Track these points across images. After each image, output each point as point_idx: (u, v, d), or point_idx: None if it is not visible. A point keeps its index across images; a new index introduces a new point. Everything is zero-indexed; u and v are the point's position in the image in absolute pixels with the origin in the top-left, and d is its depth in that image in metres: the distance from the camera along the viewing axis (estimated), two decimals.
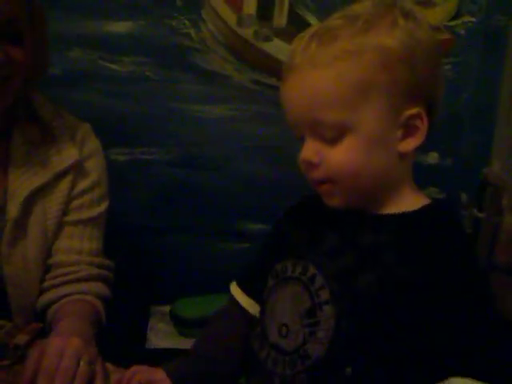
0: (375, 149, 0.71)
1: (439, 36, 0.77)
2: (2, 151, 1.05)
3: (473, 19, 1.61)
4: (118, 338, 0.90)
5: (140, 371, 0.83)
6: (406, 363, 0.70)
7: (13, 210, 1.01)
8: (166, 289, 1.78)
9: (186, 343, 1.58)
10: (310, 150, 0.73)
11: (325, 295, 0.74)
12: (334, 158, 0.71)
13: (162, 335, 1.65)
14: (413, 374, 0.70)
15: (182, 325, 1.65)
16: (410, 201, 0.76)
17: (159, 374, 0.83)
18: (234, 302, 0.90)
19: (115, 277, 1.15)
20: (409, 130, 0.72)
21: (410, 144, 0.72)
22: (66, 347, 0.78)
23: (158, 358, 0.87)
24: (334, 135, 0.71)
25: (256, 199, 1.76)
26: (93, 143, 1.13)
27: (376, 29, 0.70)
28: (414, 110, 0.71)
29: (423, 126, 0.72)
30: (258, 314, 0.86)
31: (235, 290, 0.90)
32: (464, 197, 1.72)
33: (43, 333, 0.94)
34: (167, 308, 1.72)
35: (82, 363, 0.78)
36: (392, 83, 0.70)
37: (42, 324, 1.00)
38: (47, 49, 1.05)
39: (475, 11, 1.61)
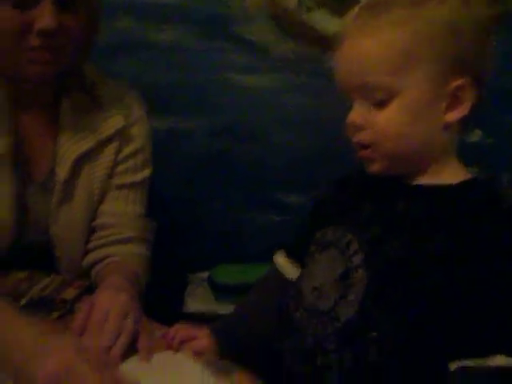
0: (419, 116, 0.73)
1: (492, 10, 0.76)
2: (52, 117, 1.08)
3: None
4: (157, 301, 0.93)
5: (183, 328, 0.86)
6: (431, 333, 0.71)
7: (62, 172, 1.05)
8: (205, 256, 1.82)
9: (222, 308, 1.62)
10: (357, 113, 0.75)
11: (358, 260, 0.76)
12: (378, 122, 0.74)
13: (199, 300, 1.70)
14: (437, 345, 0.71)
15: (219, 291, 1.70)
16: (450, 173, 0.77)
17: (201, 332, 0.86)
18: (277, 268, 0.92)
19: (156, 241, 1.18)
20: (454, 100, 0.73)
21: (455, 115, 0.74)
22: (113, 303, 0.82)
23: (195, 322, 0.91)
24: (381, 99, 0.73)
25: (294, 171, 1.77)
26: (138, 110, 1.16)
27: (427, 1, 0.72)
28: (459, 81, 0.72)
29: (469, 98, 0.73)
30: None
31: (280, 257, 0.93)
32: (506, 177, 1.70)
33: (89, 289, 0.99)
34: (205, 274, 1.76)
35: (128, 319, 0.81)
36: (439, 54, 0.71)
37: (88, 281, 1.05)
38: (99, 18, 1.07)
39: None
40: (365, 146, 0.76)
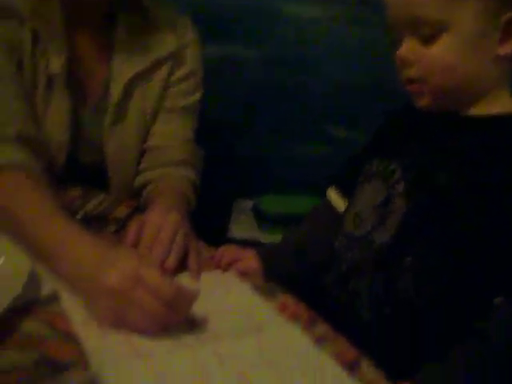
0: (469, 50, 0.73)
1: None
2: (106, 39, 1.09)
3: None
4: (202, 226, 0.95)
5: (231, 249, 0.89)
6: (468, 264, 0.72)
7: (115, 93, 1.07)
8: (251, 185, 1.84)
9: (265, 236, 1.65)
10: (406, 47, 0.75)
11: (400, 188, 0.77)
12: (428, 56, 0.74)
13: (243, 227, 1.73)
14: (475, 277, 0.72)
15: (263, 219, 1.72)
16: (501, 105, 0.76)
17: (249, 253, 0.89)
18: (330, 202, 0.94)
19: (205, 168, 1.20)
20: (506, 34, 0.72)
21: (506, 49, 0.73)
22: (164, 220, 0.84)
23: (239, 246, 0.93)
24: (431, 33, 0.73)
25: (344, 104, 1.75)
26: (191, 34, 1.16)
27: None
28: (511, 15, 0.71)
29: None
30: None
31: (331, 192, 0.94)
32: None
33: (139, 209, 1.02)
34: (250, 203, 1.78)
35: (178, 236, 0.84)
36: None
37: (138, 201, 1.08)
38: None
39: None
40: (414, 81, 0.76)
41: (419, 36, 0.74)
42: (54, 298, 0.72)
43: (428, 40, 0.73)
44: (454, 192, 0.73)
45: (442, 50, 0.73)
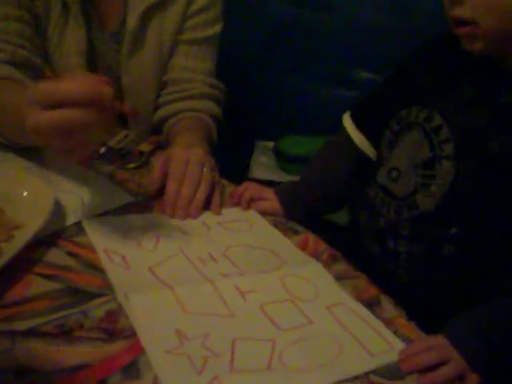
0: None
1: None
2: None
3: None
4: (223, 165, 0.94)
5: (251, 187, 0.89)
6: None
7: (132, 21, 1.05)
8: (273, 126, 1.82)
9: (285, 177, 1.65)
10: None
11: (448, 150, 0.72)
12: None
13: (264, 168, 1.73)
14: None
15: (283, 160, 1.72)
16: None
17: (269, 192, 0.89)
18: (344, 133, 0.90)
19: (226, 107, 1.18)
20: None
21: None
22: (190, 154, 0.84)
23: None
24: None
25: (370, 47, 1.70)
26: None
27: None
28: None
29: None
30: (366, 149, 0.88)
31: (347, 121, 0.90)
32: None
33: (162, 145, 1.02)
34: (271, 143, 1.77)
35: (205, 170, 0.84)
36: None
37: (161, 136, 1.08)
38: None
39: None
40: (464, 23, 0.68)
41: None
42: (78, 229, 0.73)
43: None
44: (506, 159, 0.68)
45: None
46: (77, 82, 0.59)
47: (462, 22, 0.68)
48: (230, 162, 1.39)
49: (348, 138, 0.89)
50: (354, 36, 1.70)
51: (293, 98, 1.81)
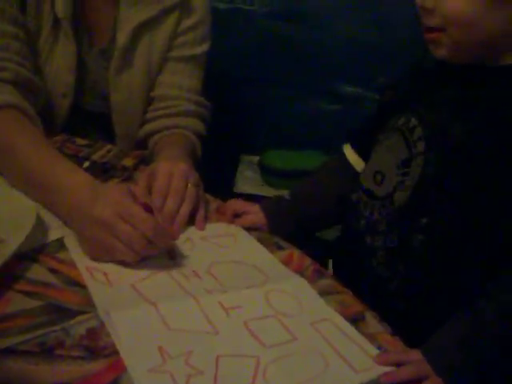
0: (495, 5, 0.67)
1: None
2: None
3: None
4: (209, 180, 0.94)
5: (235, 203, 0.88)
6: (486, 229, 0.70)
7: (121, 39, 1.05)
8: (258, 140, 1.83)
9: (270, 191, 1.65)
10: None
11: (421, 146, 0.75)
12: (449, 5, 0.69)
13: (249, 182, 1.73)
14: (489, 243, 0.71)
15: (268, 174, 1.72)
16: None
17: (254, 207, 0.88)
18: (343, 156, 0.92)
19: (211, 122, 1.19)
20: None
21: None
22: (173, 170, 0.83)
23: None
24: None
25: (352, 61, 1.72)
26: None
27: None
28: None
29: None
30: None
31: (348, 151, 0.92)
32: None
33: (145, 160, 1.01)
34: (256, 158, 1.78)
35: (189, 185, 0.83)
36: None
37: (144, 151, 1.07)
38: None
39: None
40: (433, 29, 0.72)
41: None
42: (60, 245, 0.72)
43: None
44: (469, 147, 0.70)
45: (462, 2, 0.68)
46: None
47: (431, 29, 0.73)
48: (215, 176, 1.39)
49: (349, 165, 0.91)
50: (337, 50, 1.72)
51: (278, 112, 1.82)
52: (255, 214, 0.87)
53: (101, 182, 0.79)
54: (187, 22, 1.11)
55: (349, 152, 0.92)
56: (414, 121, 0.77)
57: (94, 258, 0.71)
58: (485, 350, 0.63)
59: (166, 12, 1.08)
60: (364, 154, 0.89)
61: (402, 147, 0.78)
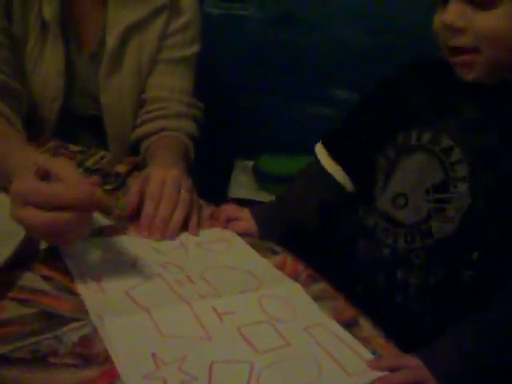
0: None
1: None
2: None
3: None
4: (202, 185, 0.94)
5: (228, 208, 0.88)
6: None
7: (111, 41, 1.05)
8: (252, 145, 1.83)
9: (265, 196, 1.65)
10: (455, 12, 0.66)
11: (462, 171, 0.70)
12: (484, 24, 0.65)
13: (243, 187, 1.73)
14: None
15: (263, 179, 1.72)
16: None
17: (245, 214, 0.88)
18: (316, 161, 0.89)
19: (204, 127, 1.19)
20: None
21: None
22: (167, 176, 0.83)
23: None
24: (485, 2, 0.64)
25: (349, 66, 1.73)
26: None
27: None
28: None
29: None
30: (340, 177, 0.86)
31: (320, 150, 0.88)
32: None
33: (139, 166, 1.01)
34: (250, 162, 1.78)
35: (182, 191, 0.83)
36: None
37: (137, 157, 1.07)
38: None
39: None
40: (463, 51, 0.68)
41: (470, 3, 0.65)
42: (53, 252, 0.72)
43: (483, 6, 0.64)
44: None
45: (497, 20, 0.64)
46: (72, 189, 0.63)
47: (459, 51, 0.68)
48: (209, 181, 1.39)
49: (320, 166, 0.87)
50: (332, 55, 1.72)
51: (272, 117, 1.82)
52: (247, 220, 0.87)
53: None
54: (177, 23, 1.11)
55: (323, 156, 0.87)
56: (446, 140, 0.72)
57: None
58: (484, 358, 0.62)
59: (155, 13, 1.09)
60: (344, 160, 0.85)
61: (433, 169, 0.72)
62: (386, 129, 0.80)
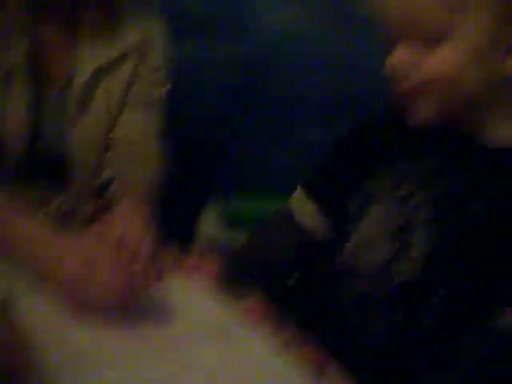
0: (475, 62, 0.65)
1: None
2: (72, 29, 1.07)
3: None
4: (171, 226, 0.93)
5: (196, 254, 0.87)
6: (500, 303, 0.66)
7: (80, 81, 1.05)
8: (223, 184, 1.82)
9: (234, 237, 1.64)
10: (403, 56, 0.67)
11: (424, 215, 0.70)
12: (427, 66, 0.66)
13: (214, 227, 1.72)
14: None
15: (234, 218, 1.72)
16: None
17: (212, 259, 0.86)
18: (292, 206, 0.88)
19: (174, 166, 1.18)
20: None
21: None
22: (130, 221, 0.82)
23: (207, 248, 0.92)
24: (434, 39, 0.65)
25: (322, 108, 1.76)
26: (158, 28, 1.14)
27: None
28: None
29: None
30: (316, 224, 0.85)
31: (297, 196, 0.88)
32: None
33: (105, 207, 0.99)
34: (221, 202, 1.77)
35: (145, 237, 0.81)
36: None
37: (103, 199, 1.05)
38: None
39: None
40: (412, 94, 0.68)
41: (417, 44, 0.66)
42: (4, 306, 0.69)
43: (430, 46, 0.65)
44: (485, 223, 0.67)
45: (444, 60, 0.65)
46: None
47: (407, 94, 0.69)
48: (179, 221, 1.37)
49: (295, 212, 0.87)
50: (303, 98, 1.74)
51: (245, 157, 1.83)
52: (214, 266, 0.85)
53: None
54: (146, 66, 1.11)
55: (302, 204, 0.87)
56: (409, 185, 0.72)
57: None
58: None
59: (125, 56, 1.09)
60: (322, 207, 0.85)
61: (395, 214, 0.73)
62: (355, 177, 0.80)
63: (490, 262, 0.67)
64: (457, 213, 0.69)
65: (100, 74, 1.06)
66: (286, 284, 0.87)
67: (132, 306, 0.69)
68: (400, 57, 0.67)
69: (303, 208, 0.86)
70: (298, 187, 0.88)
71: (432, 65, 0.66)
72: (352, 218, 0.79)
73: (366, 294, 0.73)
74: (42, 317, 0.67)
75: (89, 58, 1.05)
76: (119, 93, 1.09)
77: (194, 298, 0.79)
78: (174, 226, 1.04)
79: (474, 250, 0.67)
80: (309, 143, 1.79)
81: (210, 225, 1.71)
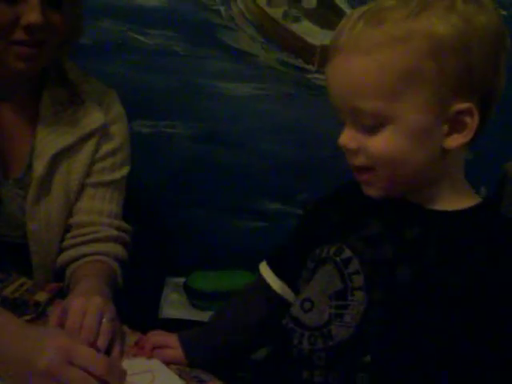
0: (416, 142, 0.67)
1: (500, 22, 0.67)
2: (32, 111, 1.08)
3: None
4: (132, 305, 0.92)
5: (155, 335, 0.86)
6: (428, 365, 0.69)
7: (39, 168, 1.04)
8: (182, 261, 1.81)
9: (197, 315, 1.63)
10: (348, 136, 0.70)
11: (358, 281, 0.72)
12: (372, 147, 0.68)
13: (175, 306, 1.69)
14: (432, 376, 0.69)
15: (194, 297, 1.69)
16: (457, 198, 0.72)
17: (173, 340, 0.85)
18: (261, 280, 0.89)
19: (133, 245, 1.17)
20: (456, 125, 0.67)
21: (456, 140, 0.67)
22: (87, 305, 0.80)
23: (170, 327, 0.90)
24: (374, 124, 0.67)
25: (274, 179, 1.78)
26: (118, 109, 1.16)
27: (429, 12, 0.64)
28: (463, 106, 0.66)
29: (473, 122, 0.66)
30: (286, 295, 0.87)
31: (264, 269, 0.89)
32: (483, 191, 1.70)
33: (62, 292, 0.98)
34: (181, 280, 1.75)
35: (104, 320, 0.80)
36: (440, 74, 0.64)
37: (61, 283, 1.03)
38: (82, 16, 1.07)
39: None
40: (361, 169, 0.72)
41: (361, 125, 0.69)
42: None
43: (371, 129, 0.68)
44: (413, 290, 0.69)
45: (385, 141, 0.67)
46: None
47: (361, 169, 0.72)
48: (139, 301, 1.35)
49: (267, 285, 0.88)
50: (260, 169, 1.77)
51: (203, 233, 1.82)
52: (175, 347, 0.84)
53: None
54: (106, 148, 1.12)
55: (267, 274, 0.89)
56: (347, 252, 0.75)
57: None
58: None
59: (85, 139, 1.09)
60: (289, 279, 0.86)
61: (335, 278, 0.75)
62: (310, 245, 0.82)
63: (418, 329, 0.69)
64: (387, 281, 0.71)
65: (60, 157, 1.06)
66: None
67: None
68: (347, 137, 0.70)
69: (274, 283, 0.88)
70: (264, 264, 0.90)
71: (375, 146, 0.68)
72: (305, 281, 0.82)
73: (308, 349, 0.75)
74: None
75: (48, 143, 1.05)
76: (80, 174, 1.09)
77: (154, 380, 0.77)
78: (134, 306, 1.03)
79: (402, 316, 0.70)
80: (269, 214, 1.81)
81: (172, 305, 1.69)
